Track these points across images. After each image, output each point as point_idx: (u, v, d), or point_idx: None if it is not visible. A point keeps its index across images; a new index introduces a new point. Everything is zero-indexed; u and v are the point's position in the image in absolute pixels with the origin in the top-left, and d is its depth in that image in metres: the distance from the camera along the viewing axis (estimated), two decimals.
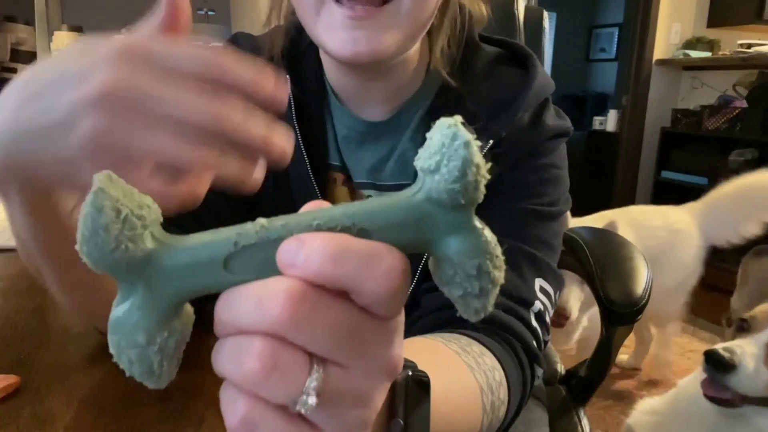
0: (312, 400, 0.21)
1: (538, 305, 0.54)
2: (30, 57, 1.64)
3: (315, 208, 0.23)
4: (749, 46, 3.27)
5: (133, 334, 0.22)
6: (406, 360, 0.34)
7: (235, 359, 0.21)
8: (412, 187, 0.23)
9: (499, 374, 0.47)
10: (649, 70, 3.66)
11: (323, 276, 0.21)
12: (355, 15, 0.47)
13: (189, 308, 0.24)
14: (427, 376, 0.34)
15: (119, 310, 0.22)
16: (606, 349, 0.85)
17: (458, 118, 0.21)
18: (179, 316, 0.23)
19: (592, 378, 0.87)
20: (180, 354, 0.23)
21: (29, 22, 1.63)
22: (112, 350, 0.22)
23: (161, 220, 0.22)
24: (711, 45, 3.63)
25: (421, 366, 0.34)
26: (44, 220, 0.36)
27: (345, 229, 0.22)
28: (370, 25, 0.48)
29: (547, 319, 0.56)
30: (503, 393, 0.47)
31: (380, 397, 0.24)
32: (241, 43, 0.63)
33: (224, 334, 0.22)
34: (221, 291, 0.22)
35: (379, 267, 0.21)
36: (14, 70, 1.61)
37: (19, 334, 0.56)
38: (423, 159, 0.22)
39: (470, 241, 0.22)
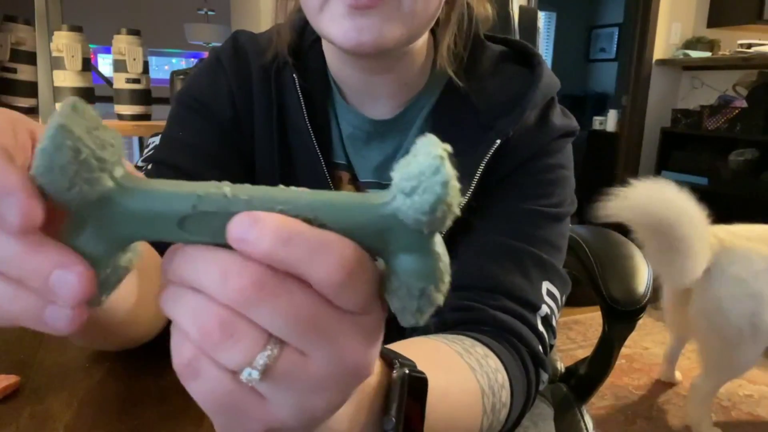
0: (255, 374, 0.22)
1: (545, 309, 0.54)
2: (30, 57, 1.63)
3: (280, 187, 0.23)
4: (749, 46, 3.27)
5: None
6: (405, 358, 0.34)
7: (193, 314, 0.22)
8: (383, 194, 0.22)
9: (501, 376, 0.47)
10: (649, 70, 3.65)
11: (272, 257, 0.21)
12: (358, 4, 0.47)
13: (140, 247, 0.24)
14: (425, 376, 0.33)
15: (66, 240, 0.21)
16: (608, 348, 0.85)
17: (447, 149, 0.21)
18: (126, 251, 0.23)
19: (594, 376, 0.87)
20: (118, 285, 0.23)
21: (29, 22, 1.62)
22: None
23: (122, 155, 0.22)
24: (711, 45, 3.63)
25: (421, 365, 0.34)
26: None
27: (305, 221, 0.22)
28: (374, 14, 0.48)
29: (554, 322, 0.55)
30: (505, 395, 0.47)
31: (341, 393, 0.24)
32: (242, 41, 0.63)
33: (176, 282, 0.23)
34: (173, 242, 0.23)
35: (330, 255, 0.21)
36: (14, 70, 1.61)
37: (19, 334, 0.56)
38: (400, 176, 0.22)
39: (423, 264, 0.22)
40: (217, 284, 0.21)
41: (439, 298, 0.23)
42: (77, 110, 0.20)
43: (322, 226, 0.22)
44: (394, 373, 0.33)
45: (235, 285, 0.21)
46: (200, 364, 0.22)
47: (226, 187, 0.22)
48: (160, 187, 0.22)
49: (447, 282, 0.23)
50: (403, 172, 0.22)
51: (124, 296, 0.39)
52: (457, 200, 0.21)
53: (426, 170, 0.21)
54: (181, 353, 0.23)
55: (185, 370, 0.23)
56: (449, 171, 0.21)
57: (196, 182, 0.22)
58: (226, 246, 0.22)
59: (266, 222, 0.21)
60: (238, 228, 0.21)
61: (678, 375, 2.17)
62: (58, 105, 0.20)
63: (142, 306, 0.42)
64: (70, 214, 0.22)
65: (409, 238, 0.22)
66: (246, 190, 0.22)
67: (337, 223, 0.22)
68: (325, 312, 0.22)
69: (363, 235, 0.22)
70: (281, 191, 0.22)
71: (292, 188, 0.23)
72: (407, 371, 0.33)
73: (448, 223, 0.22)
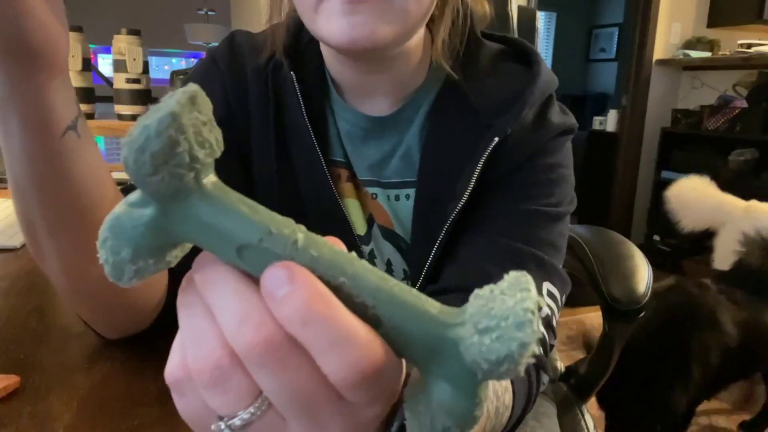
0: (229, 429, 0.21)
1: (545, 310, 0.54)
2: None
3: (351, 256, 0.21)
4: (749, 46, 3.28)
5: (122, 244, 0.21)
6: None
7: (197, 339, 0.21)
8: (455, 313, 0.21)
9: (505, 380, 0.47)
10: (649, 70, 3.65)
11: (288, 327, 0.20)
12: (351, 0, 0.47)
13: (188, 246, 0.23)
14: None
15: (127, 212, 0.21)
16: (608, 347, 0.85)
17: (538, 304, 0.19)
18: (175, 249, 0.22)
19: (594, 375, 0.87)
20: (153, 275, 0.22)
21: None
22: (99, 236, 0.21)
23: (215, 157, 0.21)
24: (711, 45, 3.63)
25: None
26: (39, 147, 0.37)
27: (362, 306, 0.20)
28: (367, 10, 0.48)
29: (554, 323, 0.55)
30: (508, 398, 0.47)
31: None
32: (239, 41, 0.63)
33: (198, 294, 0.22)
34: (224, 260, 0.22)
35: (348, 354, 0.20)
36: None
37: (19, 334, 0.56)
38: (479, 307, 0.20)
39: (461, 404, 0.21)
40: (232, 326, 0.20)
41: None
42: (194, 102, 0.20)
43: (375, 317, 0.20)
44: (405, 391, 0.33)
45: (248, 336, 0.20)
46: (185, 387, 0.22)
47: (300, 234, 0.21)
48: (237, 207, 0.21)
49: (474, 428, 0.21)
50: (484, 306, 0.20)
51: None
52: (526, 363, 0.19)
53: (511, 318, 0.19)
54: (173, 367, 0.22)
55: (172, 384, 0.23)
56: (535, 332, 0.19)
57: (274, 214, 0.21)
58: None
59: (300, 288, 0.19)
60: (271, 279, 0.20)
61: None
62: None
63: (145, 291, 0.42)
64: (141, 192, 0.21)
65: (460, 371, 0.20)
66: (318, 246, 0.21)
67: (392, 321, 0.20)
68: (326, 396, 0.21)
69: (413, 344, 0.20)
70: (351, 264, 0.21)
71: (365, 264, 0.21)
72: None
73: (508, 378, 0.20)
